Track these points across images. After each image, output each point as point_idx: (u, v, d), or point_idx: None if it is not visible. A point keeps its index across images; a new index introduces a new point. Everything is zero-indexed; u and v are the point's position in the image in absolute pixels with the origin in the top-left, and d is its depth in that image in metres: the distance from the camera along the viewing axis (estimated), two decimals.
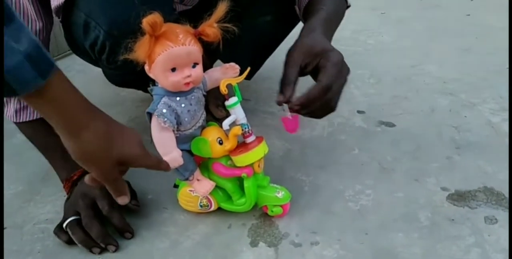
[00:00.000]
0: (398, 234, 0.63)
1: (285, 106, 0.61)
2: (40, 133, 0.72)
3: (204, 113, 0.62)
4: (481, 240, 0.61)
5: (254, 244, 0.62)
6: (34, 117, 0.72)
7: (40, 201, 0.73)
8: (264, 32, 0.92)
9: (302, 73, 0.63)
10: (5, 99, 0.72)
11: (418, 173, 0.76)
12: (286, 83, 0.61)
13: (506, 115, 0.95)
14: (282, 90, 0.61)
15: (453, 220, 0.65)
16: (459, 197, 0.70)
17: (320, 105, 0.60)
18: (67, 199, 0.67)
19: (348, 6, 0.83)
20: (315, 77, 0.62)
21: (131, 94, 1.12)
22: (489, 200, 0.69)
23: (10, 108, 0.72)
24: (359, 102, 1.04)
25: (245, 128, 0.60)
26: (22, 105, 0.72)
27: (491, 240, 0.61)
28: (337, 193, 0.72)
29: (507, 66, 1.20)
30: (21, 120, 0.73)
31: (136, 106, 1.04)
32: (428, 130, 0.90)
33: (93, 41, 0.64)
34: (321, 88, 0.59)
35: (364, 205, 0.69)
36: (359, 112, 0.99)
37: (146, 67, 0.54)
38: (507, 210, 0.67)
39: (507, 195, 0.70)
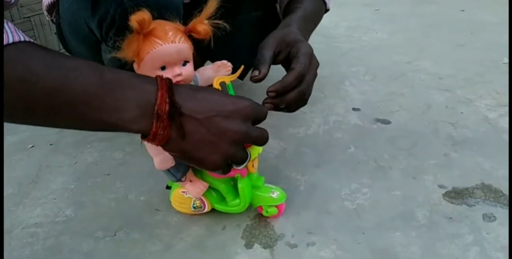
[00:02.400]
0: (395, 233, 0.62)
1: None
2: None
3: None
4: (480, 238, 0.60)
5: (249, 245, 0.61)
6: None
7: (29, 204, 0.71)
8: (256, 28, 0.91)
9: (274, 60, 0.63)
10: None
11: (415, 171, 0.75)
12: (261, 62, 0.60)
13: (503, 110, 0.94)
14: (257, 68, 0.60)
15: (451, 218, 0.64)
16: (456, 195, 0.69)
17: (295, 95, 0.60)
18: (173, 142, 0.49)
19: (327, 10, 0.85)
20: (287, 68, 0.63)
21: None
22: (487, 197, 0.68)
23: None
24: (354, 99, 1.02)
25: None
26: None
27: (490, 238, 0.60)
28: (333, 192, 0.71)
29: (503, 61, 1.19)
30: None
31: None
32: (425, 127, 0.89)
33: (102, 15, 0.62)
34: (295, 75, 0.59)
35: (361, 204, 0.68)
36: (354, 109, 0.98)
37: (135, 66, 0.53)
38: (506, 207, 0.66)
39: (505, 192, 0.69)
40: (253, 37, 1.00)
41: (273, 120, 0.94)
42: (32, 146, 0.89)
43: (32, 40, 0.43)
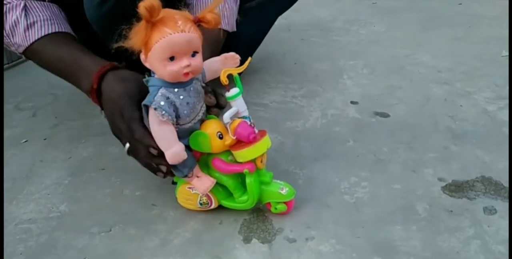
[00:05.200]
0: (396, 226, 0.61)
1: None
2: (52, 48, 0.73)
3: (204, 106, 0.58)
4: (480, 232, 0.60)
5: (247, 240, 0.60)
6: (44, 32, 0.73)
7: (23, 200, 0.70)
8: (252, 19, 0.90)
9: None
10: (12, 22, 0.73)
11: (415, 164, 0.74)
12: None
13: (502, 103, 0.93)
14: None
15: (451, 211, 0.63)
16: (457, 188, 0.68)
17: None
18: (102, 109, 0.66)
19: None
20: None
21: None
22: (487, 190, 0.67)
23: (19, 30, 0.73)
24: (352, 92, 1.01)
25: (248, 120, 0.57)
26: (29, 22, 0.73)
27: (491, 231, 0.60)
28: (332, 186, 0.70)
29: (502, 54, 1.18)
30: (32, 40, 0.73)
31: None
32: (424, 120, 0.88)
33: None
34: None
35: (360, 198, 0.67)
36: (352, 103, 0.97)
37: (142, 57, 0.51)
38: (507, 200, 0.65)
39: (506, 184, 0.68)
40: (250, 30, 0.99)
41: (271, 114, 0.93)
42: (26, 141, 0.87)
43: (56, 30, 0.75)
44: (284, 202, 0.62)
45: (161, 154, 0.55)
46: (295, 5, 1.12)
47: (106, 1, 0.72)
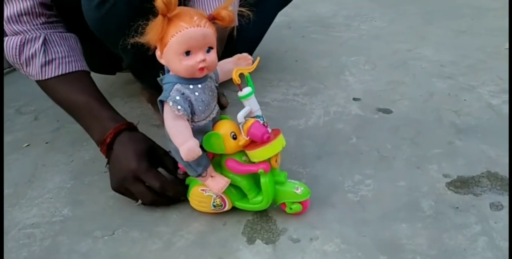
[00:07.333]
0: (401, 224, 0.60)
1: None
2: (68, 91, 0.73)
3: (218, 105, 0.58)
4: (487, 228, 0.59)
5: (251, 241, 0.59)
6: (62, 72, 0.72)
7: (25, 204, 0.70)
8: (252, 17, 0.89)
9: None
10: (29, 55, 0.71)
11: (419, 160, 0.73)
12: None
13: (506, 97, 0.92)
14: None
15: (457, 208, 0.63)
16: (462, 184, 0.67)
17: None
18: (108, 163, 0.68)
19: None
20: None
21: (119, 89, 1.09)
22: (493, 185, 0.67)
23: (35, 64, 0.71)
24: (354, 89, 1.00)
25: (261, 120, 0.57)
26: (47, 59, 0.72)
27: (498, 227, 0.59)
28: (335, 184, 0.69)
29: (505, 46, 1.17)
30: (48, 77, 0.72)
31: (124, 102, 1.01)
32: (428, 115, 0.87)
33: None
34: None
35: (365, 196, 0.66)
36: (355, 99, 0.96)
37: (158, 53, 0.51)
38: None
39: None
40: (252, 28, 0.98)
41: (272, 113, 0.92)
42: (28, 145, 0.87)
43: (79, 69, 0.74)
44: (299, 202, 0.61)
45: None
46: (295, 1, 1.11)
47: (104, 2, 0.72)
